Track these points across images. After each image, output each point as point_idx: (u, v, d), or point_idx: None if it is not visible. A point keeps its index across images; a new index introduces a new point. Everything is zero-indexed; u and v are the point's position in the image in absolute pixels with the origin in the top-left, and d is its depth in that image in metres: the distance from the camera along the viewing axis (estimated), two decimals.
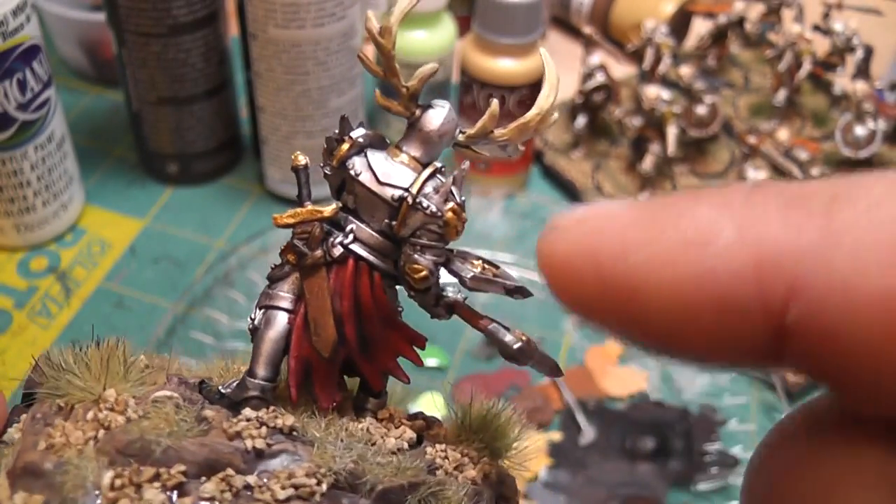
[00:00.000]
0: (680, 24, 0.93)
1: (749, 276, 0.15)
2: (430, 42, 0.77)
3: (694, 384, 0.65)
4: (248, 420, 0.24)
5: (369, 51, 0.26)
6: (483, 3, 0.71)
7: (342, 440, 0.24)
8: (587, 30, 0.87)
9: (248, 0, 0.66)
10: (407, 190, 0.23)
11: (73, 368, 0.24)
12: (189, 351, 0.63)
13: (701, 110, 0.79)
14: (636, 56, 0.85)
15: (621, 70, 0.90)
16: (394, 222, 0.24)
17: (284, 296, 0.25)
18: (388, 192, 0.24)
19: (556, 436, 0.61)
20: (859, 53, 0.84)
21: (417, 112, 0.24)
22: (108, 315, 0.68)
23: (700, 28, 0.95)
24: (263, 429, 0.23)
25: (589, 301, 0.17)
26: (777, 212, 0.16)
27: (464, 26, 0.87)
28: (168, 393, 0.24)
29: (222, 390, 0.25)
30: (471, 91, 0.74)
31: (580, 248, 0.17)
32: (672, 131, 0.75)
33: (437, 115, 0.24)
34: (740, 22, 0.92)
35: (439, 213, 0.23)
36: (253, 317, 0.25)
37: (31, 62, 0.64)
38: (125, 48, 0.70)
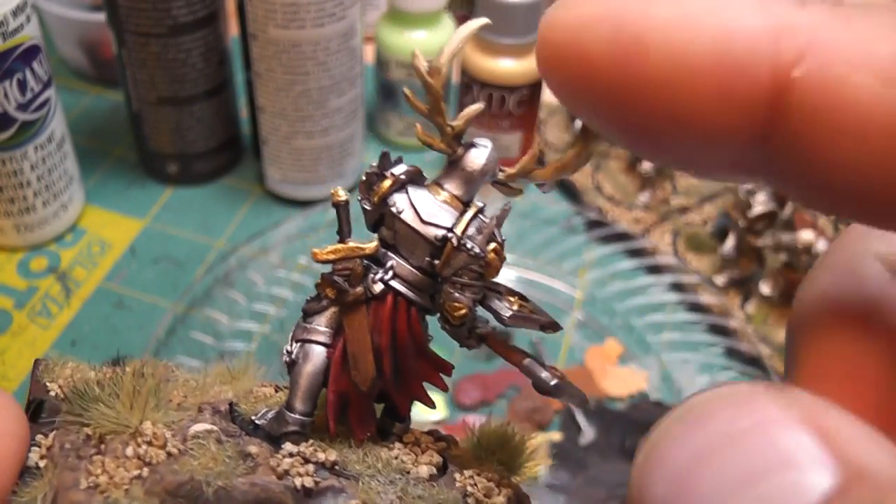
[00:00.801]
0: None
1: (766, 32, 0.16)
2: (430, 42, 0.77)
3: (694, 384, 0.65)
4: (291, 456, 0.24)
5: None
6: (483, 3, 0.71)
7: (381, 472, 0.24)
8: None
9: (248, 0, 0.66)
10: (451, 230, 0.24)
11: (102, 398, 0.24)
12: (189, 351, 0.63)
13: None
14: None
15: None
16: (436, 261, 0.24)
17: (322, 330, 0.25)
18: (432, 232, 0.24)
19: (556, 436, 0.61)
20: None
21: (460, 150, 0.24)
22: (108, 315, 0.68)
23: None
24: (310, 466, 0.24)
25: (596, 61, 0.17)
26: (789, 1, 0.17)
27: None
28: (208, 427, 0.24)
29: (256, 421, 0.25)
30: (471, 91, 0.74)
31: (598, 7, 0.17)
32: None
33: (481, 155, 0.24)
34: None
35: (482, 255, 0.24)
36: (290, 349, 0.25)
37: (31, 62, 0.64)
38: (125, 48, 0.70)
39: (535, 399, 0.62)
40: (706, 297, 0.69)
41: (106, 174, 0.79)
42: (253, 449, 0.24)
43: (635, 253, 0.74)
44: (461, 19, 0.86)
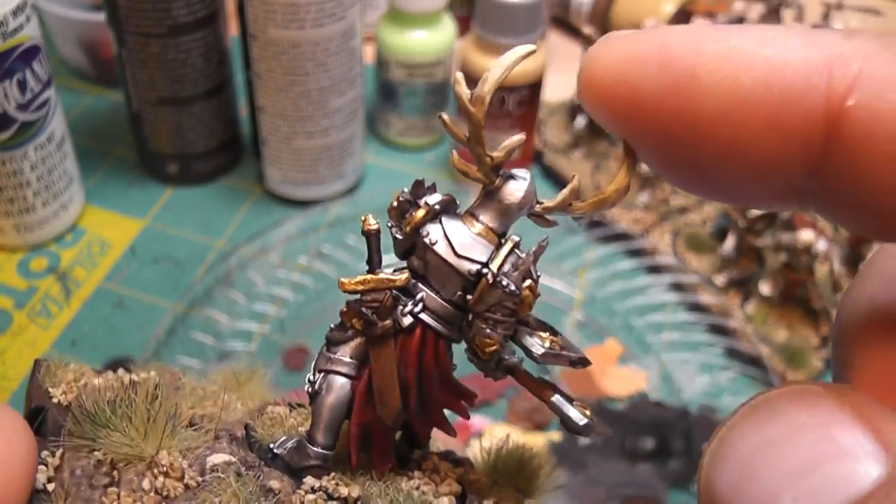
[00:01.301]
0: (680, 24, 0.93)
1: (818, 62, 0.17)
2: (430, 42, 0.77)
3: (694, 384, 0.65)
4: (314, 491, 0.23)
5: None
6: (483, 3, 0.71)
7: None
8: (587, 30, 0.87)
9: (248, 0, 0.66)
10: (487, 266, 0.23)
11: (114, 423, 0.23)
12: (189, 351, 0.63)
13: None
14: None
15: None
16: (469, 296, 0.23)
17: (346, 361, 0.24)
18: (466, 266, 0.23)
19: (555, 436, 0.61)
20: None
21: (497, 181, 0.24)
22: (108, 315, 0.68)
23: None
24: (333, 503, 0.23)
25: (645, 98, 0.18)
26: (834, 33, 0.17)
27: (464, 26, 0.87)
28: (226, 458, 0.24)
29: (275, 450, 0.25)
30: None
31: (646, 44, 0.18)
32: None
33: (520, 188, 0.23)
34: (740, 22, 0.92)
35: (518, 292, 0.23)
36: (312, 379, 0.24)
37: (31, 62, 0.64)
38: (125, 48, 0.70)
39: (534, 399, 0.62)
40: (706, 297, 0.69)
41: (106, 174, 0.79)
42: (274, 484, 0.23)
43: (635, 253, 0.74)
44: (461, 19, 0.86)
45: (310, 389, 0.24)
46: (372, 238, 0.24)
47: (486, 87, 0.22)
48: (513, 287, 0.23)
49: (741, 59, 0.17)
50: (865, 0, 0.90)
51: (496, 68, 0.22)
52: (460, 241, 0.23)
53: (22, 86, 0.64)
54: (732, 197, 0.19)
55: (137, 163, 0.79)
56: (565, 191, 0.23)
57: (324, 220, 0.74)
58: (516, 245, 0.24)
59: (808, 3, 0.92)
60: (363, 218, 0.24)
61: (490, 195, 0.24)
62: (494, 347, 0.24)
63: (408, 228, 0.24)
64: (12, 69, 0.63)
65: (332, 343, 0.24)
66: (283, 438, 0.25)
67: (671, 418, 0.62)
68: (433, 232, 0.23)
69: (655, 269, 0.73)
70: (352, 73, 0.71)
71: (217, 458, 0.24)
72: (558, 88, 0.85)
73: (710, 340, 0.67)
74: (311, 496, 0.23)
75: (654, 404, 0.63)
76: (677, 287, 0.71)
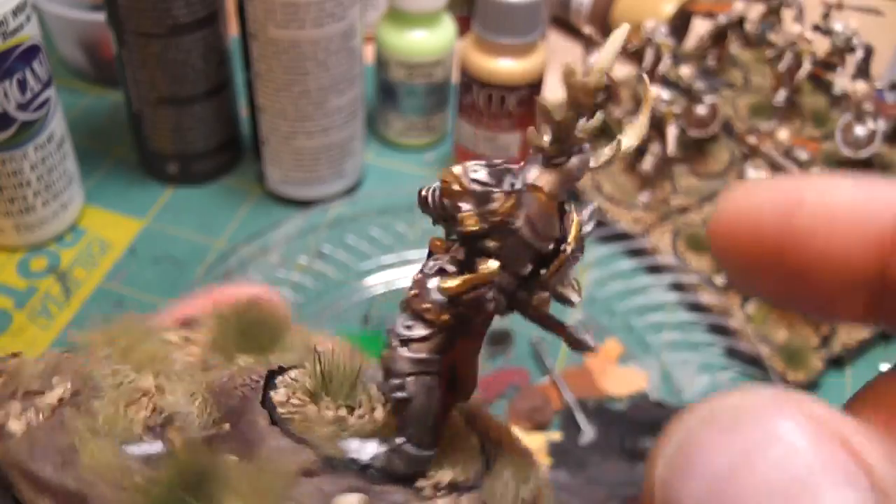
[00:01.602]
0: (680, 24, 0.93)
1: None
2: (430, 42, 0.77)
3: (694, 384, 0.65)
4: (437, 489, 0.24)
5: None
6: (483, 3, 0.71)
7: (468, 465, 0.25)
8: (587, 30, 0.87)
9: (248, 0, 0.66)
10: (566, 242, 0.24)
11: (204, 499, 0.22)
12: None
13: (701, 110, 0.79)
14: (636, 56, 0.85)
15: (621, 70, 0.90)
16: (543, 270, 0.24)
17: (431, 359, 0.24)
18: (544, 245, 0.24)
19: (555, 436, 0.61)
20: (859, 53, 0.84)
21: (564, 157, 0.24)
22: (109, 315, 0.67)
23: (700, 28, 0.95)
24: (459, 496, 0.23)
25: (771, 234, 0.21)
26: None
27: (464, 26, 0.87)
28: (357, 498, 0.23)
29: (362, 460, 0.24)
30: (471, 91, 0.74)
31: (774, 194, 0.21)
32: (672, 131, 0.75)
33: (587, 160, 0.24)
34: (740, 22, 0.92)
35: (579, 259, 0.24)
36: (399, 383, 0.24)
37: (31, 62, 0.64)
38: (125, 48, 0.70)
39: (534, 399, 0.62)
40: (706, 297, 0.69)
41: (106, 174, 0.79)
42: (398, 497, 0.23)
43: (635, 253, 0.74)
44: (461, 19, 0.86)
45: (401, 395, 0.24)
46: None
47: (599, 75, 0.22)
48: (581, 256, 0.24)
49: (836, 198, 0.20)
50: (865, 0, 0.90)
51: (605, 55, 0.22)
52: (540, 220, 0.24)
53: (22, 86, 0.64)
54: (822, 311, 0.22)
55: (137, 163, 0.79)
56: (616, 147, 0.24)
57: (324, 220, 0.74)
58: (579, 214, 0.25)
59: (808, 2, 0.92)
60: (461, 217, 0.24)
61: (556, 167, 0.24)
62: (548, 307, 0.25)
63: (497, 219, 0.23)
64: (12, 69, 0.63)
65: (409, 341, 0.24)
66: (356, 444, 0.24)
67: (671, 418, 0.62)
68: (518, 217, 0.24)
69: (655, 269, 0.73)
70: (352, 73, 0.71)
71: (346, 502, 0.23)
72: (558, 88, 0.85)
73: (710, 340, 0.67)
74: (443, 500, 0.23)
75: (654, 404, 0.63)
76: (677, 287, 0.71)
